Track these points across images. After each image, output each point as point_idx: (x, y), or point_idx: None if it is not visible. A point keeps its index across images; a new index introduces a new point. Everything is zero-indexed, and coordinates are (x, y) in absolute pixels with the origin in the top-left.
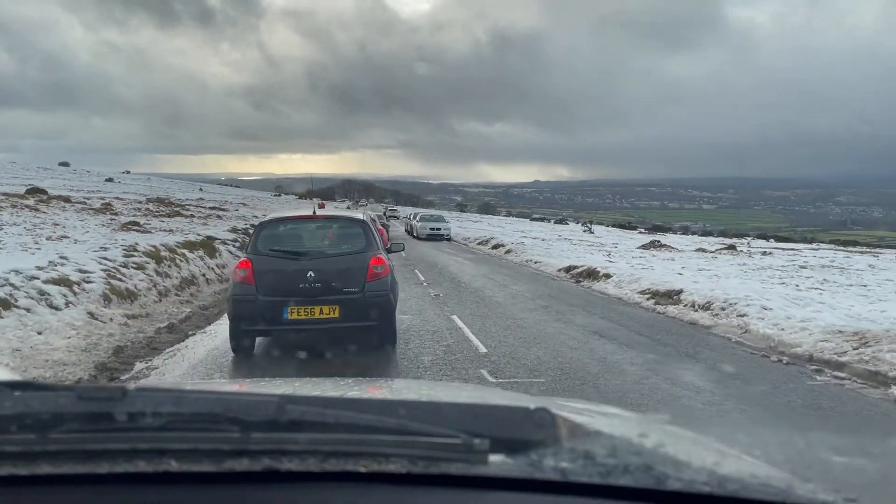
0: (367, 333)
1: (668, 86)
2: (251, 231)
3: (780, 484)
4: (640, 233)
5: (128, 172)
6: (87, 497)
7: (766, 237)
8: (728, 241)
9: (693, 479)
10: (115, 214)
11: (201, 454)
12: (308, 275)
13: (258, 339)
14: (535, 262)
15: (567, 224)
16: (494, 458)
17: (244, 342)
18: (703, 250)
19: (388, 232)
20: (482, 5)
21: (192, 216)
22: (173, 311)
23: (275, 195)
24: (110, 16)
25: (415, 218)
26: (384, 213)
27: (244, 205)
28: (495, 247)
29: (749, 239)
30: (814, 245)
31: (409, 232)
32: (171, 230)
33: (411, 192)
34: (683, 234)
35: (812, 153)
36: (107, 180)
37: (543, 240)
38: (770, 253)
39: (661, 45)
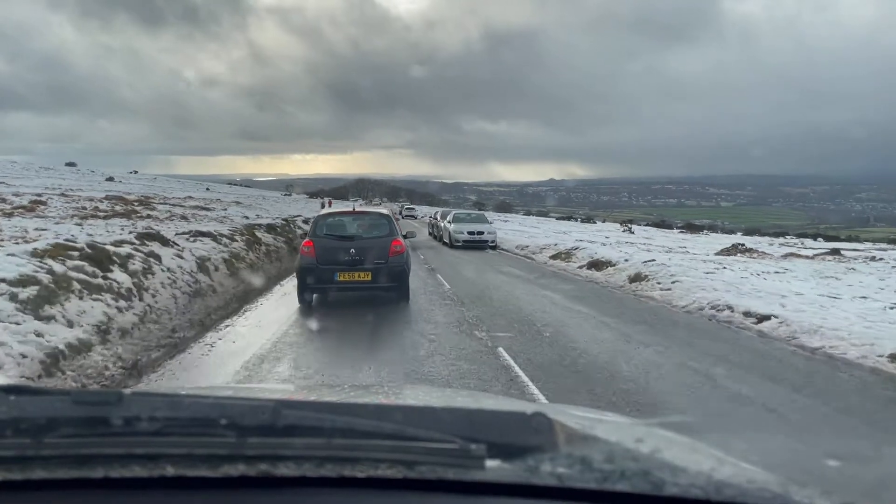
0: (387, 291)
1: (680, 83)
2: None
3: (776, 489)
4: (681, 231)
5: (135, 172)
6: (83, 502)
7: (809, 236)
8: (793, 241)
9: (690, 484)
10: (28, 214)
11: (197, 459)
12: (350, 251)
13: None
14: (759, 318)
15: (595, 223)
16: (491, 463)
17: (307, 296)
18: (796, 255)
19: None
20: (481, 3)
21: (150, 217)
22: None
23: (285, 194)
24: (117, 20)
25: (444, 218)
26: (399, 212)
27: (238, 203)
28: (595, 265)
29: (789, 237)
30: (869, 244)
31: (436, 236)
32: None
33: (426, 191)
34: (725, 233)
35: (830, 150)
36: (107, 179)
37: (603, 244)
38: (878, 258)
39: (669, 42)
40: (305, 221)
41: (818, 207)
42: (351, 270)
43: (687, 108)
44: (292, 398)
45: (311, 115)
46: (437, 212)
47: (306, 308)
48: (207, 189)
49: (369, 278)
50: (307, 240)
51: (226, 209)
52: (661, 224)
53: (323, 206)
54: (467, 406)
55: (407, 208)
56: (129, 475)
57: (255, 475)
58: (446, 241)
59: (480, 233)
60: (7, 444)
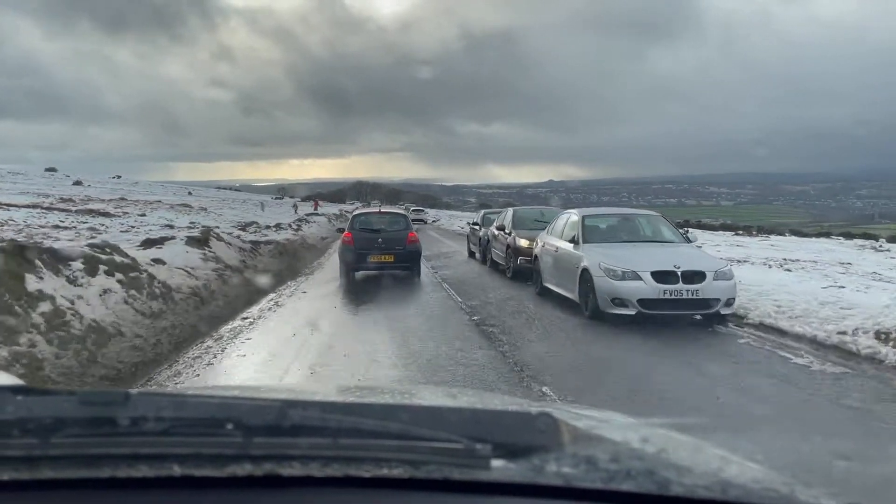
0: (404, 270)
1: (674, 82)
2: None
3: (782, 489)
4: (736, 234)
5: (118, 177)
6: (89, 501)
7: (856, 236)
8: (862, 243)
9: (695, 484)
10: None
11: (203, 459)
12: (378, 240)
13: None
14: None
15: None
16: (497, 463)
17: (349, 274)
18: None
19: None
20: (475, 5)
21: None
22: None
23: (276, 198)
24: (114, 28)
25: (518, 224)
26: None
27: (185, 206)
28: None
29: (834, 237)
30: None
31: (501, 267)
32: None
33: (427, 194)
34: (778, 234)
35: (828, 148)
36: (74, 184)
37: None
38: None
39: (660, 40)
40: (203, 240)
41: (819, 205)
42: (379, 254)
43: (682, 108)
44: (298, 398)
45: (308, 120)
46: (504, 214)
47: (348, 281)
48: (189, 193)
49: (392, 260)
50: (347, 232)
51: (144, 214)
52: (699, 224)
53: (263, 207)
54: (473, 406)
55: (414, 210)
56: (135, 475)
57: (262, 475)
58: (564, 291)
59: (694, 277)
60: (14, 444)
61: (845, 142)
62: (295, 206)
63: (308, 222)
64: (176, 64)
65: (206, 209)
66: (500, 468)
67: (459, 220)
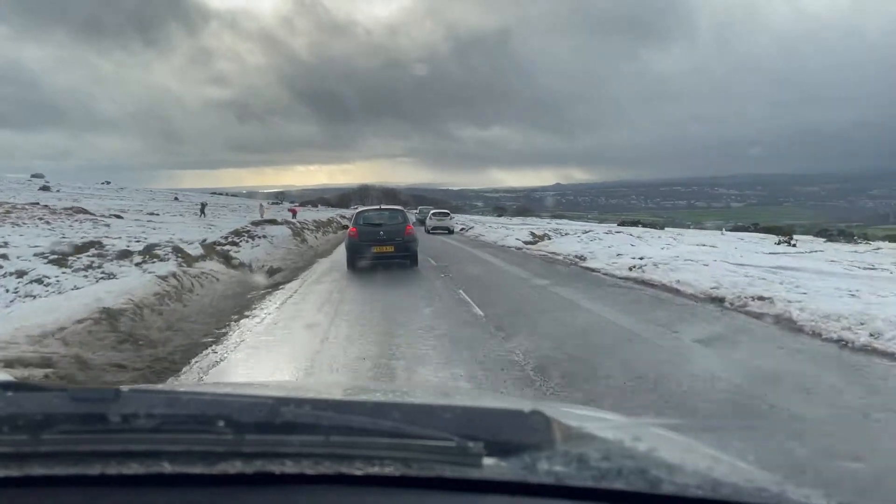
0: (404, 259)
1: (678, 84)
2: None
3: (773, 488)
4: (850, 241)
5: (107, 183)
6: (79, 499)
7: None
8: None
9: (686, 483)
10: None
11: (194, 456)
12: (380, 233)
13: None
14: None
15: (662, 229)
16: (489, 461)
17: (355, 263)
18: None
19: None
20: (460, 8)
21: None
22: None
23: (273, 202)
24: (115, 40)
25: None
26: (422, 222)
27: (117, 216)
28: None
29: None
30: None
31: None
32: None
33: (433, 198)
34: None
35: (838, 148)
36: (40, 189)
37: None
38: None
39: (664, 42)
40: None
41: (829, 206)
42: (380, 245)
43: (689, 110)
44: (290, 396)
45: (312, 126)
46: None
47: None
48: (176, 198)
49: (392, 250)
50: (352, 227)
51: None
52: (738, 227)
53: (203, 210)
54: (465, 404)
55: (435, 214)
56: (126, 472)
57: (253, 472)
58: None
59: None
60: (5, 441)
61: (853, 143)
62: (261, 208)
63: (253, 238)
64: (182, 73)
65: (121, 216)
66: (491, 466)
67: (513, 229)
